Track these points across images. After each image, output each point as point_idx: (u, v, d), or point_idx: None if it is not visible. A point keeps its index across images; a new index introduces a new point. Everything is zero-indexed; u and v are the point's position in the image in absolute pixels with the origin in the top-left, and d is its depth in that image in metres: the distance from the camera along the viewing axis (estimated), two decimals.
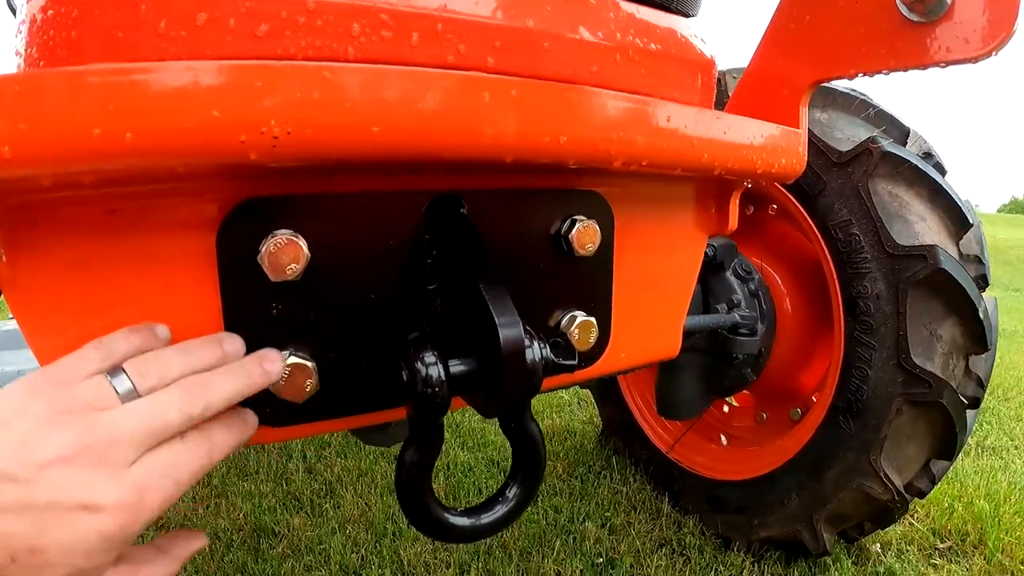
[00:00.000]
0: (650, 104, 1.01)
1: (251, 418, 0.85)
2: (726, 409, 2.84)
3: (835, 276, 2.14)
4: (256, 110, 0.69)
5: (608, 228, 1.20)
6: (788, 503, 2.28)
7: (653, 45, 1.16)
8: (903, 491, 2.10)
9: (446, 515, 1.01)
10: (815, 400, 2.43)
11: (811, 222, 2.17)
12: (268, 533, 2.55)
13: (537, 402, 3.82)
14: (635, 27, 1.15)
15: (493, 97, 0.83)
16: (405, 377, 0.91)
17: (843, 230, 2.09)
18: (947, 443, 2.10)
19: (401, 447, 0.99)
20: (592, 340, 1.17)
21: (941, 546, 2.53)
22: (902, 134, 2.12)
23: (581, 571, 2.36)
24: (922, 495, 2.20)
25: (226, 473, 2.94)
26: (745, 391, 2.80)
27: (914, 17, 1.16)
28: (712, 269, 2.37)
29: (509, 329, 0.91)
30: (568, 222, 1.13)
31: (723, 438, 2.73)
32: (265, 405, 0.89)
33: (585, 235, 1.14)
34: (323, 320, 0.93)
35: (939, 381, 1.97)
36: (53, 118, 0.65)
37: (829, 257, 2.14)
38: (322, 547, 2.45)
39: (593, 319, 1.17)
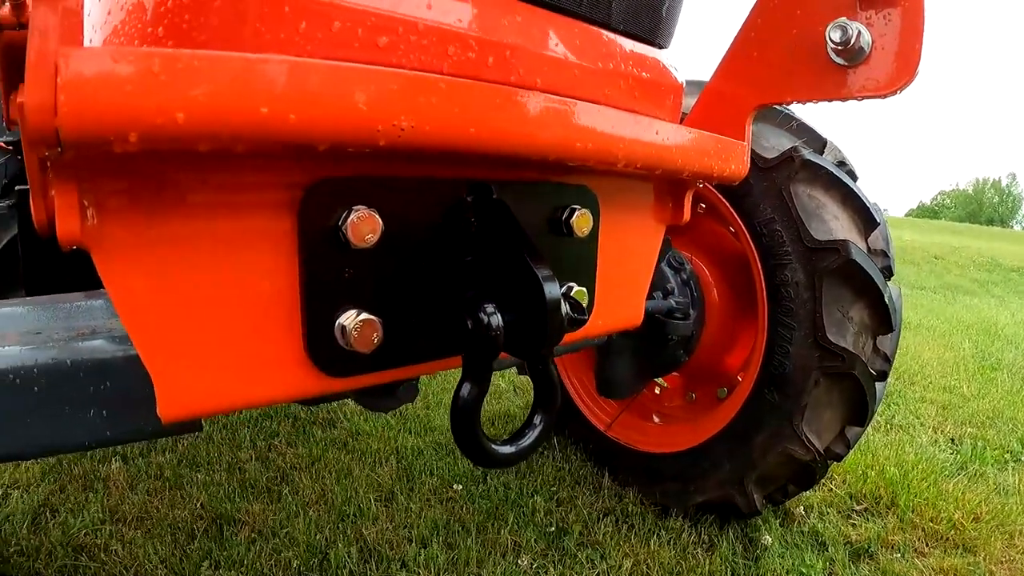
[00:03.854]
0: (648, 121, 1.26)
1: None
2: (658, 391, 3.11)
3: (760, 267, 2.44)
4: (391, 107, 0.87)
5: (596, 216, 1.46)
6: (721, 469, 2.56)
7: (645, 74, 1.41)
8: (823, 453, 2.42)
9: (492, 445, 1.21)
10: (740, 379, 2.73)
11: (739, 220, 2.46)
12: (229, 520, 2.60)
13: None
14: (632, 60, 1.41)
15: (556, 114, 1.08)
16: (470, 325, 1.12)
17: (767, 227, 2.38)
18: (859, 411, 2.44)
19: (456, 386, 1.18)
20: (585, 306, 1.42)
21: (858, 508, 2.89)
22: (820, 144, 2.44)
23: (535, 540, 2.56)
24: (839, 458, 2.52)
25: (177, 464, 2.95)
26: (676, 374, 3.09)
27: (839, 61, 1.43)
28: None
29: (552, 286, 1.15)
30: (568, 210, 1.39)
31: (656, 417, 3.00)
32: (330, 355, 1.08)
33: (582, 221, 1.41)
34: (388, 282, 1.12)
35: (851, 355, 2.29)
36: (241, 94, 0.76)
37: (754, 250, 2.44)
38: (286, 530, 2.54)
39: (584, 289, 1.42)
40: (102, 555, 2.38)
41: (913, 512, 2.87)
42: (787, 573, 2.41)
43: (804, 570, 2.41)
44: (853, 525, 2.75)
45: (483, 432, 1.21)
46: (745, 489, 2.51)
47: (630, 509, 2.74)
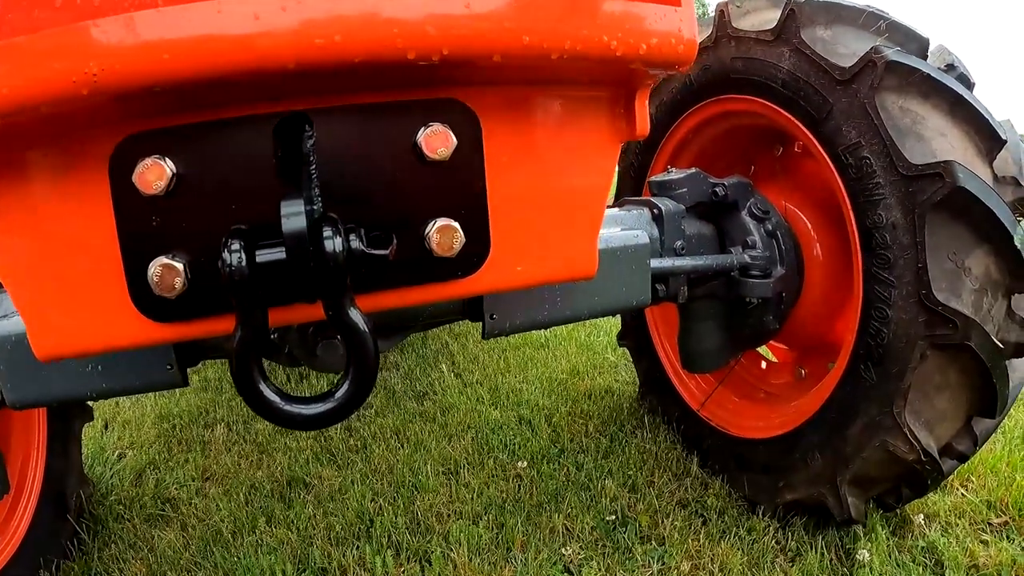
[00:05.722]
0: None
1: None
2: (763, 365, 2.63)
3: (849, 207, 1.92)
4: (76, 60, 0.89)
5: (470, 134, 1.18)
6: (812, 463, 2.08)
7: None
8: (935, 452, 1.85)
9: (275, 398, 1.11)
10: None
11: (821, 149, 1.95)
12: (299, 484, 2.65)
13: (582, 363, 3.72)
14: None
15: (250, 14, 0.90)
16: (219, 264, 1.03)
17: (853, 154, 1.86)
18: (985, 396, 1.83)
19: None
20: (456, 246, 1.18)
21: (995, 521, 2.20)
22: (921, 47, 1.85)
23: (592, 528, 2.27)
24: (964, 458, 1.93)
25: (272, 431, 3.08)
26: (782, 346, 2.60)
27: None
28: (724, 209, 2.20)
29: (291, 220, 1.01)
30: (420, 130, 1.13)
31: (760, 396, 2.53)
32: (148, 301, 1.11)
33: (434, 140, 1.15)
34: (188, 229, 1.10)
35: (966, 321, 1.71)
36: None
37: (842, 186, 1.92)
38: (344, 496, 2.52)
39: (455, 224, 1.17)
40: (183, 507, 2.54)
41: None
42: None
43: None
44: (984, 544, 2.08)
45: (268, 384, 1.12)
46: (838, 490, 2.00)
47: (710, 503, 2.33)
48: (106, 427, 3.34)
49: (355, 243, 1.04)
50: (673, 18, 1.15)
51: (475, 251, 1.22)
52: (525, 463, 2.65)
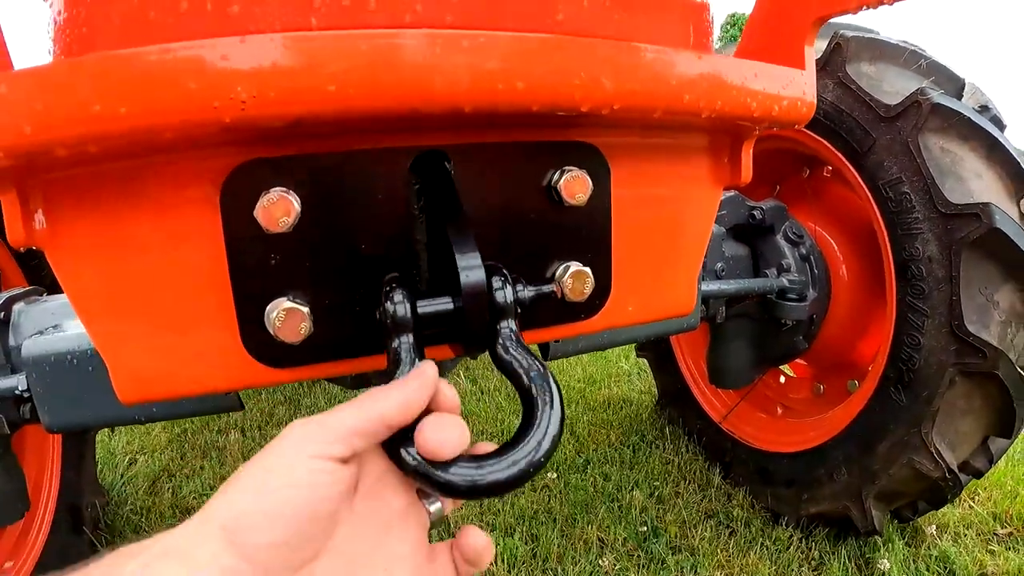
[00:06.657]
0: (607, 45, 0.98)
1: None
2: (782, 380, 2.74)
3: (886, 238, 2.02)
4: (224, 81, 0.77)
5: (602, 179, 1.19)
6: (837, 478, 2.19)
7: None
8: (956, 469, 1.98)
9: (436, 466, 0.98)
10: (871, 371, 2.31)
11: (861, 181, 2.05)
12: None
13: (596, 371, 3.81)
14: None
15: (433, 50, 0.83)
16: (378, 316, 0.96)
17: (893, 189, 1.96)
18: (1005, 419, 1.96)
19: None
20: (587, 290, 1.17)
21: (1001, 532, 2.36)
22: (957, 87, 1.96)
23: (624, 539, 2.35)
24: (979, 475, 2.06)
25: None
26: (802, 362, 2.71)
27: None
28: (761, 232, 2.29)
29: (470, 273, 0.95)
30: (558, 173, 1.12)
31: (778, 410, 2.64)
32: (263, 345, 1.01)
33: (574, 185, 1.13)
34: (315, 269, 1.02)
35: (995, 351, 1.84)
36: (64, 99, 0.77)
37: (880, 218, 2.03)
38: None
39: (588, 269, 1.17)
40: None
41: None
42: None
43: None
44: (991, 553, 2.23)
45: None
46: (863, 504, 2.12)
47: (735, 513, 2.43)
48: (112, 430, 3.30)
49: (522, 293, 1.00)
50: (800, 81, 1.20)
51: (599, 294, 1.22)
52: (554, 474, 2.72)
